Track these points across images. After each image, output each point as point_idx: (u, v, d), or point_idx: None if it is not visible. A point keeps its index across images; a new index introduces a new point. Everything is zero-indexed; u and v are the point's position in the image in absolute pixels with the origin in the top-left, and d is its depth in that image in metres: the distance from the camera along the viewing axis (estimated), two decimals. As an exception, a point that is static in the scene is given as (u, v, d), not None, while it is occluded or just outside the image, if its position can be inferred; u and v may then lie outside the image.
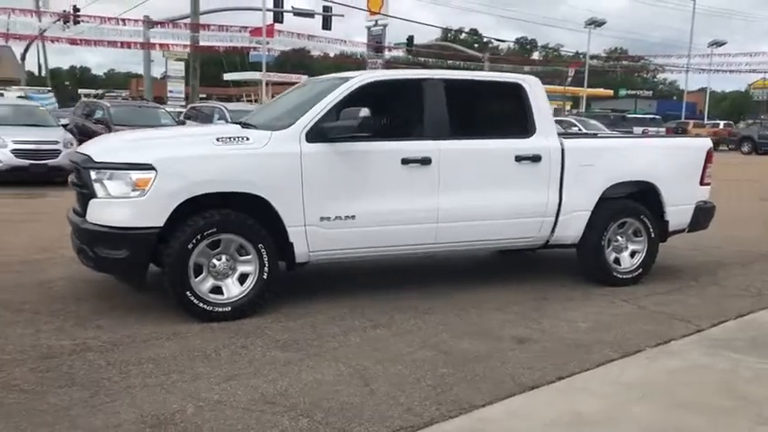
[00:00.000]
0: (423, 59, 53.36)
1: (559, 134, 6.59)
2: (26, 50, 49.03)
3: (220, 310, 5.26)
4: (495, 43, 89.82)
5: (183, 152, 5.28)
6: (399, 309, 5.68)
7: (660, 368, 4.50)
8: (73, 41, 41.76)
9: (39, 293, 5.90)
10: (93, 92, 70.39)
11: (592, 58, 75.43)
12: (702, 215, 7.14)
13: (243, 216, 5.29)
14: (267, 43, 28.87)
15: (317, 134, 5.48)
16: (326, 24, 34.44)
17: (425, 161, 5.79)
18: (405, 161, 5.72)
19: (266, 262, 5.36)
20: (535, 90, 6.39)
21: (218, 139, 5.36)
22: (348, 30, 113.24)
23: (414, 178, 5.80)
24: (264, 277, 5.37)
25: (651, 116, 39.47)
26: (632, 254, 6.84)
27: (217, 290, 5.32)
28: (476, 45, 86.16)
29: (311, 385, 4.06)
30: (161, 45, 29.47)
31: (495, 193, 6.09)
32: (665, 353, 4.81)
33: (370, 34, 45.18)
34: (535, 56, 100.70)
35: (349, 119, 5.40)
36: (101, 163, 5.17)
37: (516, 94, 6.33)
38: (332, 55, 77.61)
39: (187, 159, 5.20)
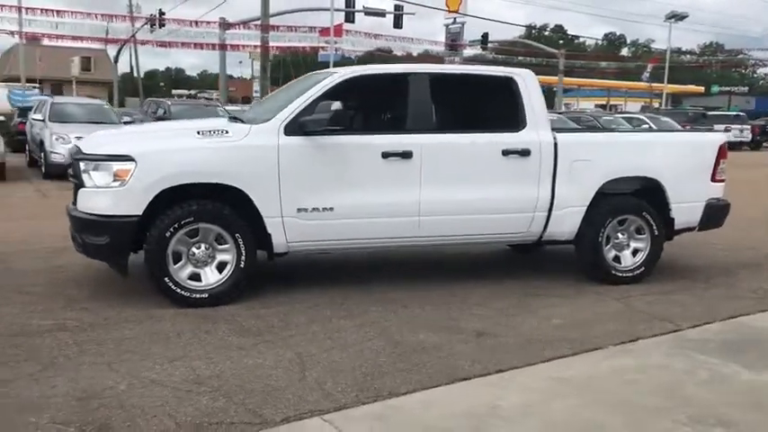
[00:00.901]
0: (494, 56, 52.81)
1: (556, 129, 6.47)
2: (119, 53, 51.53)
3: (198, 296, 5.48)
4: (582, 39, 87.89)
5: (162, 145, 5.53)
6: (378, 301, 5.74)
7: (609, 366, 4.39)
8: (162, 44, 43.65)
9: (50, 278, 6.29)
10: (185, 92, 73.38)
11: (684, 53, 72.60)
12: (714, 213, 6.84)
13: (220, 206, 5.48)
14: (336, 43, 29.32)
15: (295, 128, 5.61)
16: (398, 23, 34.58)
17: (406, 155, 5.82)
18: (385, 155, 5.77)
19: (243, 251, 5.54)
20: (528, 84, 6.30)
21: (198, 133, 5.58)
22: (432, 28, 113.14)
23: (394, 172, 5.84)
24: (241, 266, 5.55)
25: (735, 113, 37.48)
26: (634, 252, 6.63)
27: (196, 277, 5.54)
28: (560, 42, 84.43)
29: (248, 369, 4.20)
30: (232, 46, 30.40)
31: (480, 187, 6.06)
32: (625, 351, 4.68)
33: (447, 32, 45.13)
34: (624, 52, 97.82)
35: (321, 112, 5.50)
36: (88, 155, 5.48)
37: (507, 88, 6.26)
38: (415, 54, 77.80)
39: (165, 151, 5.44)
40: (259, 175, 5.51)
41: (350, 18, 33.30)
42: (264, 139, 5.56)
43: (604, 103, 65.76)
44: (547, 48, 47.41)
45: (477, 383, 4.06)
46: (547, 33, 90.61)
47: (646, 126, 24.87)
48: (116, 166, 5.30)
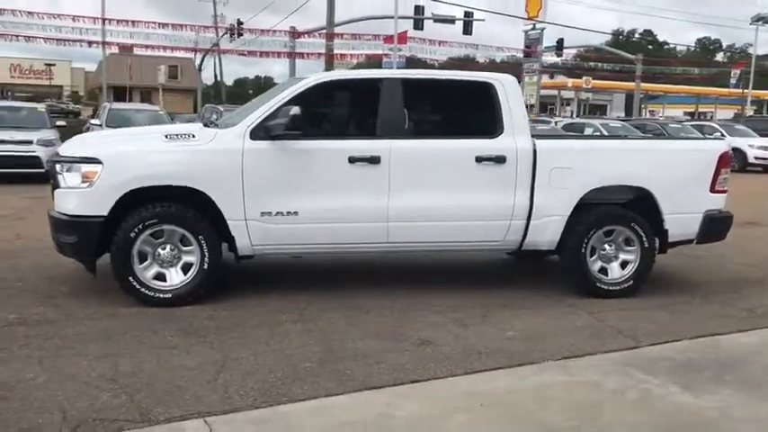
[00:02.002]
0: (563, 62, 51.68)
1: (536, 135, 6.27)
2: (202, 61, 53.46)
3: (161, 296, 5.61)
4: (672, 45, 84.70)
5: (129, 148, 5.71)
6: (341, 307, 5.72)
7: (536, 382, 4.21)
8: (240, 53, 45.13)
9: (37, 275, 6.57)
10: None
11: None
12: (714, 225, 6.45)
13: (183, 208, 5.60)
14: (399, 50, 29.41)
15: (261, 132, 5.67)
16: (467, 29, 34.37)
17: (374, 160, 5.78)
18: (352, 159, 5.75)
19: (207, 253, 5.64)
20: (508, 90, 6.13)
21: (166, 136, 5.73)
22: (517, 33, 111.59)
23: (362, 177, 5.81)
24: (205, 267, 5.65)
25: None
26: (623, 264, 6.34)
27: (161, 277, 5.68)
28: (650, 47, 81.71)
29: (168, 369, 4.26)
30: (304, 54, 31.00)
31: (451, 193, 5.94)
32: (562, 367, 4.47)
33: (526, 38, 44.50)
34: (719, 57, 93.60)
35: (282, 117, 5.54)
36: (63, 157, 5.72)
37: (485, 93, 6.11)
38: (498, 60, 77.13)
39: (131, 154, 5.61)
40: (222, 179, 5.60)
41: (418, 25, 33.35)
42: (229, 143, 5.65)
43: (692, 110, 63.21)
44: (624, 53, 45.82)
45: (383, 393, 3.98)
46: (635, 39, 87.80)
47: (717, 134, 23.68)
48: (84, 167, 5.50)
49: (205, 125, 6.08)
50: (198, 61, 54.20)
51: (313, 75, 6.12)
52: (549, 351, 4.77)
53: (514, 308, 5.88)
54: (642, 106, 60.50)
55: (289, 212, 5.71)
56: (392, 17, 30.48)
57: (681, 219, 6.34)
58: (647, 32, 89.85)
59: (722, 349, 4.94)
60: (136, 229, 5.53)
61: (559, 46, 41.72)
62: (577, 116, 49.31)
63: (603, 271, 6.31)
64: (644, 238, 6.26)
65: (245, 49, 42.38)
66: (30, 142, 14.06)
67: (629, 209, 6.35)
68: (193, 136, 5.71)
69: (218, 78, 61.40)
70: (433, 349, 4.75)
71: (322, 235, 5.83)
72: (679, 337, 5.15)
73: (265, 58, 36.58)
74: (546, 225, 6.12)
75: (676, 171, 6.34)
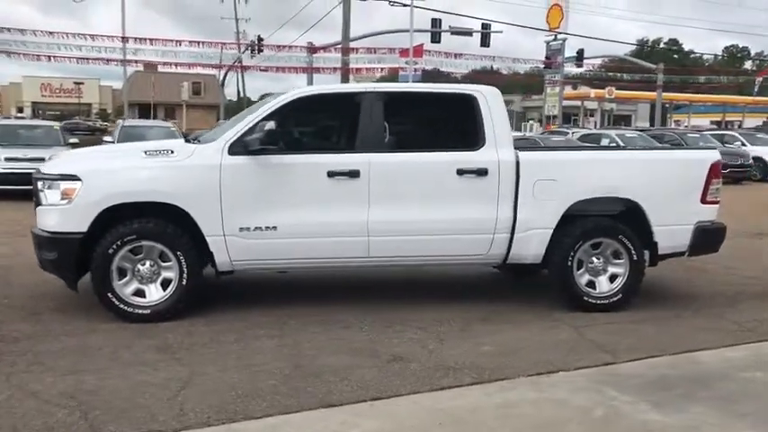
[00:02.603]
0: (591, 72, 51.30)
1: (521, 147, 6.20)
2: (224, 77, 54.09)
3: (140, 312, 5.62)
4: (699, 53, 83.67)
5: (108, 164, 5.75)
6: (321, 322, 5.68)
7: (501, 399, 4.12)
8: (262, 68, 45.53)
9: (26, 292, 6.60)
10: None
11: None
12: (706, 237, 6.30)
13: (162, 224, 5.61)
14: (415, 63, 29.46)
15: (240, 147, 5.67)
16: (485, 41, 34.27)
17: (353, 174, 5.74)
18: (331, 174, 5.72)
19: (185, 269, 5.64)
20: (490, 102, 6.07)
21: (146, 153, 5.76)
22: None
23: (341, 191, 5.78)
24: (184, 283, 5.65)
25: None
26: (612, 278, 6.22)
27: (141, 293, 5.69)
28: (675, 56, 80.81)
29: (131, 386, 4.25)
30: (320, 69, 31.17)
31: (433, 207, 5.88)
32: (532, 384, 4.38)
33: (548, 49, 44.31)
34: (748, 65, 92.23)
35: (260, 132, 5.55)
36: (44, 174, 5.77)
37: (467, 106, 6.05)
38: (522, 72, 76.92)
39: (110, 171, 5.65)
40: (200, 194, 5.61)
41: (435, 38, 33.35)
42: (207, 159, 5.66)
43: (719, 119, 62.29)
44: (645, 63, 45.34)
45: (341, 411, 3.92)
46: (660, 48, 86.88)
47: (738, 143, 23.31)
48: (63, 184, 5.54)
49: (186, 141, 6.11)
50: (219, 78, 54.89)
51: (293, 90, 6.11)
52: (522, 366, 4.67)
53: (496, 322, 5.79)
54: (668, 116, 59.79)
55: (267, 227, 5.69)
56: (408, 30, 30.53)
57: (671, 231, 6.21)
58: (673, 41, 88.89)
59: (702, 364, 4.80)
60: (114, 246, 5.55)
61: (579, 56, 41.36)
62: (601, 127, 48.91)
63: (591, 284, 6.19)
64: (633, 251, 6.14)
65: (266, 64, 42.77)
66: (42, 160, 14.20)
67: (619, 221, 6.22)
68: (172, 152, 5.74)
69: (242, 94, 62.00)
70: (402, 365, 4.68)
71: (301, 250, 5.80)
72: (660, 352, 5.02)
73: (285, 73, 36.81)
74: (530, 238, 6.03)
75: (665, 182, 6.21)
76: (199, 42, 37.78)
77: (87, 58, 33.72)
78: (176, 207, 5.59)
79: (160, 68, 54.03)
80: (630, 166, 6.30)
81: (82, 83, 73.52)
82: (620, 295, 6.16)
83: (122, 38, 31.31)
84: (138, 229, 5.58)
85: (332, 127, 6.35)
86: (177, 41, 37.12)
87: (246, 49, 44.50)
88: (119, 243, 5.55)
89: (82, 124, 54.29)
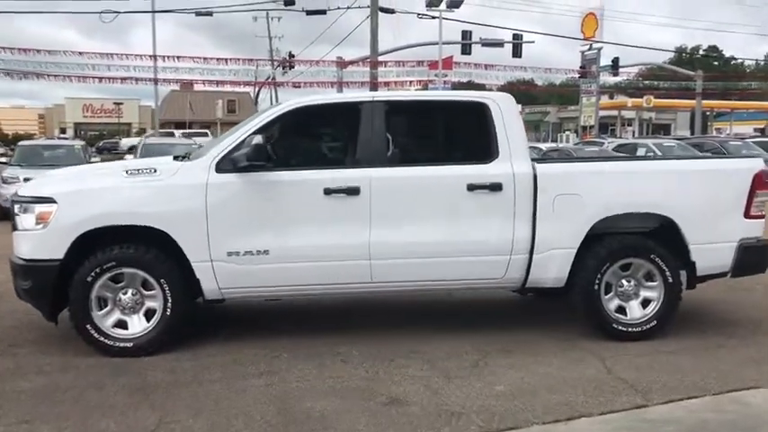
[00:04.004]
0: (628, 81, 50.15)
1: (536, 159, 5.60)
2: (258, 94, 54.26)
3: (122, 345, 5.16)
4: (740, 60, 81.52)
5: (85, 185, 5.31)
6: (318, 355, 5.15)
7: (508, 453, 3.52)
8: (295, 84, 45.50)
9: (9, 321, 6.17)
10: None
11: None
12: (751, 256, 5.60)
13: (144, 249, 5.15)
14: (445, 76, 28.91)
15: (228, 164, 5.19)
16: (517, 52, 33.52)
17: (353, 191, 5.21)
18: (328, 191, 5.20)
19: (170, 298, 5.16)
20: (504, 110, 5.48)
21: (127, 172, 5.31)
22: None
23: (339, 210, 5.25)
24: (168, 314, 5.17)
25: None
26: (645, 302, 5.56)
27: (123, 324, 5.23)
28: (715, 63, 78.91)
29: (88, 435, 3.77)
30: (350, 83, 30.79)
31: (441, 226, 5.32)
32: (546, 433, 3.77)
33: (583, 59, 43.54)
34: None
35: (248, 147, 5.06)
36: (20, 197, 5.36)
37: (478, 115, 5.48)
38: (557, 83, 75.86)
39: (87, 192, 5.21)
40: (184, 216, 5.13)
41: (466, 50, 32.77)
42: (192, 178, 5.19)
43: (763, 126, 60.30)
44: (683, 70, 44.10)
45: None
46: (699, 55, 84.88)
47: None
48: (38, 208, 5.12)
49: (175, 158, 5.66)
50: (253, 95, 55.08)
51: (289, 100, 5.62)
52: (538, 411, 4.07)
53: (515, 354, 5.18)
54: (708, 124, 58.16)
55: (259, 251, 5.19)
56: (437, 43, 30.04)
57: (710, 249, 5.54)
58: (712, 48, 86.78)
59: (750, 407, 4.14)
60: (93, 273, 5.10)
61: (615, 65, 40.37)
62: (639, 136, 47.72)
63: (621, 310, 5.54)
64: (667, 273, 5.48)
65: (298, 80, 42.65)
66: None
67: (651, 239, 5.58)
68: (155, 171, 5.28)
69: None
70: (400, 410, 4.11)
71: (296, 276, 5.28)
72: (700, 391, 4.36)
73: (316, 87, 36.56)
74: (551, 259, 5.42)
75: (703, 195, 5.55)
76: (227, 60, 37.69)
77: (120, 78, 33.86)
78: (159, 231, 5.12)
79: (195, 87, 54.57)
80: (663, 177, 5.64)
81: (122, 103, 74.66)
82: (654, 322, 5.50)
83: (153, 56, 31.39)
84: (118, 256, 5.12)
85: (329, 140, 5.84)
86: (205, 58, 37.13)
87: (279, 65, 44.51)
88: (98, 270, 5.10)
89: (117, 143, 54.91)
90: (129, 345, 5.16)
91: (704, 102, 44.40)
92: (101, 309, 5.18)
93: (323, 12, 29.41)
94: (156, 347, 5.18)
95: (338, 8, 29.15)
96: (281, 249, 5.20)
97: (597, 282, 5.44)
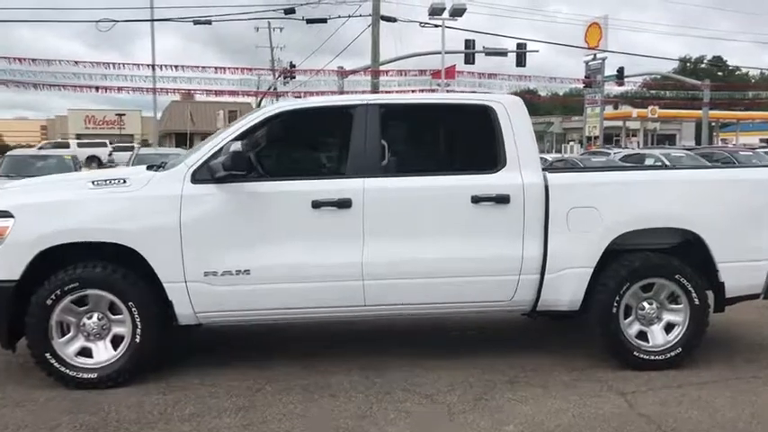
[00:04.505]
0: (631, 91, 49.73)
1: (550, 168, 5.07)
2: (259, 105, 53.84)
3: (85, 376, 4.62)
4: (745, 70, 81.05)
5: (45, 197, 4.77)
6: (306, 388, 4.60)
7: None
8: (295, 94, 45.13)
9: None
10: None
11: None
12: (787, 275, 5.05)
13: (110, 269, 4.62)
14: (447, 85, 28.42)
15: (205, 174, 4.67)
16: (521, 62, 33.09)
17: (344, 204, 4.69)
18: (316, 204, 4.67)
19: (139, 323, 4.62)
20: (511, 114, 4.96)
21: (93, 183, 4.78)
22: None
23: (328, 225, 4.72)
24: (137, 341, 4.63)
25: None
26: (668, 327, 5.01)
27: (87, 352, 4.69)
28: (719, 73, 78.42)
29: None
30: (350, 92, 30.39)
31: (442, 243, 4.78)
32: (565, 489, 3.21)
33: (587, 68, 43.20)
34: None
35: (228, 155, 4.53)
36: None
37: (482, 119, 4.95)
38: (561, 94, 75.46)
39: (47, 205, 4.68)
40: (156, 232, 4.61)
41: (469, 59, 32.32)
42: (165, 189, 4.66)
43: (768, 136, 59.74)
44: (689, 80, 43.62)
45: None
46: (703, 66, 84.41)
47: (795, 162, 21.58)
48: (-7, 223, 4.59)
49: (149, 168, 5.14)
50: (255, 105, 54.69)
51: (273, 104, 5.10)
52: (553, 459, 3.51)
53: (525, 385, 4.63)
54: (713, 135, 57.64)
55: (239, 271, 4.65)
56: (440, 53, 29.58)
57: (741, 268, 4.99)
58: (717, 58, 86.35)
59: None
60: (53, 296, 4.56)
61: (620, 75, 39.89)
62: (644, 147, 47.23)
63: (643, 336, 4.99)
64: (693, 294, 4.93)
65: (299, 90, 42.28)
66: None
67: (675, 256, 5.03)
68: (124, 181, 4.75)
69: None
70: (392, 457, 3.55)
71: (281, 298, 4.74)
72: (735, 431, 3.80)
73: (318, 97, 36.18)
74: (565, 279, 4.88)
75: (732, 208, 5.01)
76: (225, 69, 37.45)
77: (117, 87, 33.42)
78: (127, 248, 4.60)
79: (197, 97, 54.26)
80: (689, 188, 5.09)
81: (124, 114, 74.64)
82: (679, 349, 4.95)
83: (152, 66, 31.01)
84: (81, 276, 4.59)
85: (318, 148, 5.31)
86: (204, 67, 36.84)
87: (280, 75, 44.15)
88: (59, 292, 4.56)
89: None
90: (94, 375, 4.62)
91: (710, 112, 43.89)
92: (62, 335, 4.65)
93: (323, 20, 29.01)
94: (124, 378, 4.65)
95: (339, 17, 28.74)
96: (263, 269, 4.66)
97: (616, 304, 4.90)
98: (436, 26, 29.92)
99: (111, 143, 51.92)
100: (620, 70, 40.04)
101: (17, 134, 73.73)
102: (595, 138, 43.80)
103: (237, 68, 39.27)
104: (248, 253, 4.66)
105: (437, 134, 5.34)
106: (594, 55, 41.66)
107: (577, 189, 4.94)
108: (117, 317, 4.68)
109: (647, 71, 48.73)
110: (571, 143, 54.28)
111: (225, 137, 4.80)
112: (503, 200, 4.79)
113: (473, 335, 5.98)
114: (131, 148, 39.99)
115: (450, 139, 5.31)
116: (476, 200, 4.77)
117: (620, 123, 56.89)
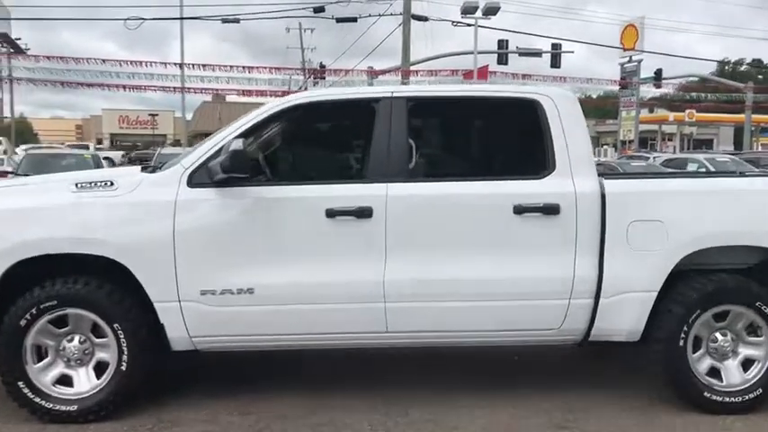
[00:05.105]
0: (669, 94, 48.50)
1: (606, 174, 4.34)
2: (288, 105, 53.75)
3: (63, 408, 4.00)
4: (785, 72, 78.77)
5: (20, 202, 4.14)
6: (316, 428, 3.94)
7: None
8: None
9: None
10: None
11: None
12: None
13: (94, 285, 3.99)
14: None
15: (204, 176, 4.03)
16: (555, 63, 32.16)
17: (363, 213, 4.00)
18: (331, 213, 3.99)
19: (125, 348, 3.99)
20: (562, 110, 4.22)
21: (77, 185, 4.15)
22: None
23: (345, 237, 4.04)
24: (123, 368, 4.00)
25: None
26: (746, 363, 4.24)
27: (67, 380, 4.07)
28: (759, 76, 76.38)
29: None
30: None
31: (478, 260, 4.07)
32: None
33: (623, 70, 42.26)
34: None
35: (230, 155, 3.87)
36: None
37: (528, 115, 4.23)
38: (594, 96, 74.05)
39: (21, 211, 4.06)
40: (145, 243, 3.97)
41: (502, 60, 31.53)
42: (156, 194, 4.03)
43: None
44: (731, 82, 42.23)
45: None
46: (742, 69, 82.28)
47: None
48: (-40, 232, 3.99)
49: (143, 168, 4.52)
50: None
51: (287, 96, 4.44)
52: None
53: (575, 429, 3.88)
54: (753, 139, 55.95)
55: (241, 290, 4.00)
56: (472, 52, 28.83)
57: (834, 295, 4.19)
58: (757, 61, 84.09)
59: None
60: (28, 315, 3.95)
61: (657, 77, 38.75)
62: (681, 151, 45.95)
63: (715, 373, 4.22)
64: (777, 325, 4.15)
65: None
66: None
67: (754, 279, 4.25)
68: (111, 184, 4.11)
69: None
70: None
71: (288, 322, 4.07)
72: None
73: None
74: (624, 305, 4.13)
75: (826, 222, 4.21)
76: (252, 68, 36.91)
77: (144, 86, 33.13)
78: (113, 261, 3.97)
79: (228, 98, 54.12)
80: (771, 200, 4.31)
81: (156, 114, 75.16)
82: (760, 390, 4.17)
83: (180, 64, 30.72)
84: (60, 293, 3.97)
85: (335, 147, 4.63)
86: (232, 66, 36.46)
87: (310, 75, 43.79)
88: (34, 311, 3.95)
89: (152, 154, 54.81)
90: (74, 408, 4.00)
91: (740, 116, 42.48)
92: (38, 360, 4.03)
93: (353, 19, 28.37)
94: (107, 411, 4.03)
95: (369, 15, 28.09)
96: (269, 288, 4.00)
97: (684, 335, 4.13)
98: (469, 25, 29.14)
99: (136, 147, 51.90)
100: (658, 72, 38.88)
101: (52, 133, 74.54)
102: (630, 142, 42.71)
103: (266, 68, 38.73)
104: (252, 269, 4.00)
105: (473, 133, 4.64)
106: (630, 57, 40.69)
107: (640, 199, 4.18)
108: (101, 340, 4.06)
109: (683, 73, 47.40)
110: (605, 147, 53.12)
111: (227, 133, 4.15)
112: (551, 210, 4.05)
113: (512, 362, 5.24)
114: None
115: (488, 138, 4.60)
116: (519, 210, 4.05)
117: (655, 127, 55.54)
